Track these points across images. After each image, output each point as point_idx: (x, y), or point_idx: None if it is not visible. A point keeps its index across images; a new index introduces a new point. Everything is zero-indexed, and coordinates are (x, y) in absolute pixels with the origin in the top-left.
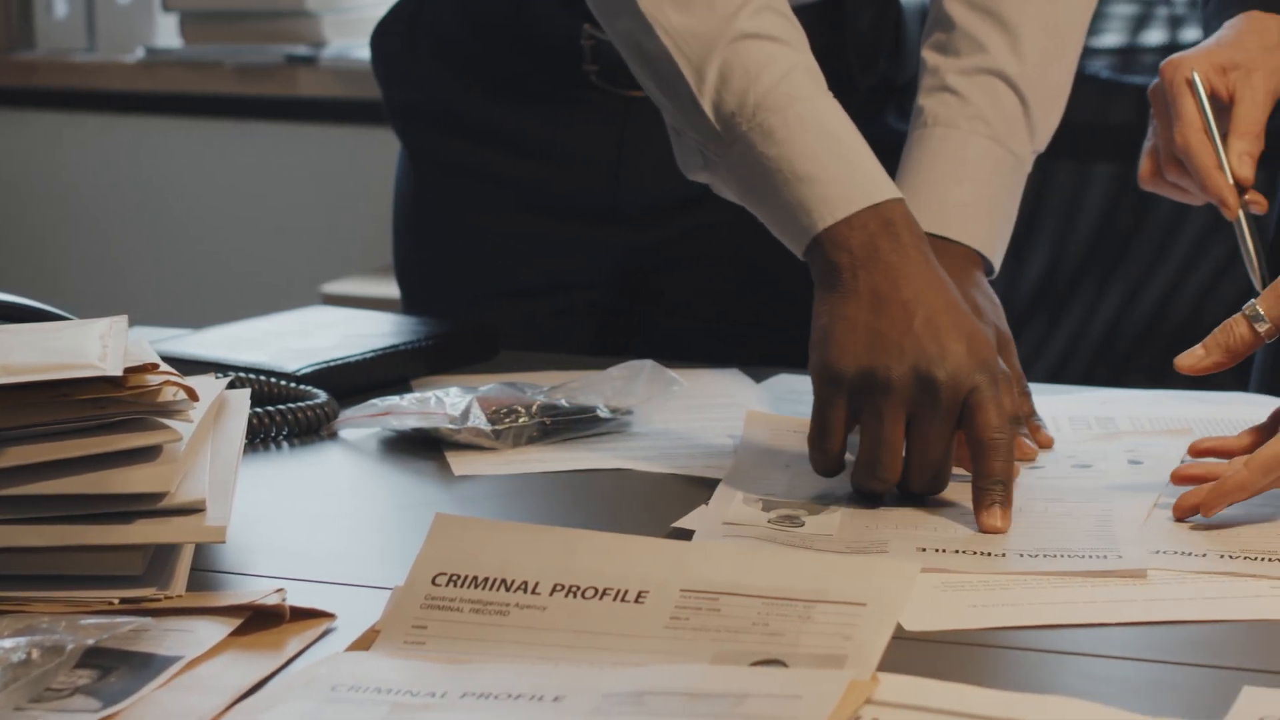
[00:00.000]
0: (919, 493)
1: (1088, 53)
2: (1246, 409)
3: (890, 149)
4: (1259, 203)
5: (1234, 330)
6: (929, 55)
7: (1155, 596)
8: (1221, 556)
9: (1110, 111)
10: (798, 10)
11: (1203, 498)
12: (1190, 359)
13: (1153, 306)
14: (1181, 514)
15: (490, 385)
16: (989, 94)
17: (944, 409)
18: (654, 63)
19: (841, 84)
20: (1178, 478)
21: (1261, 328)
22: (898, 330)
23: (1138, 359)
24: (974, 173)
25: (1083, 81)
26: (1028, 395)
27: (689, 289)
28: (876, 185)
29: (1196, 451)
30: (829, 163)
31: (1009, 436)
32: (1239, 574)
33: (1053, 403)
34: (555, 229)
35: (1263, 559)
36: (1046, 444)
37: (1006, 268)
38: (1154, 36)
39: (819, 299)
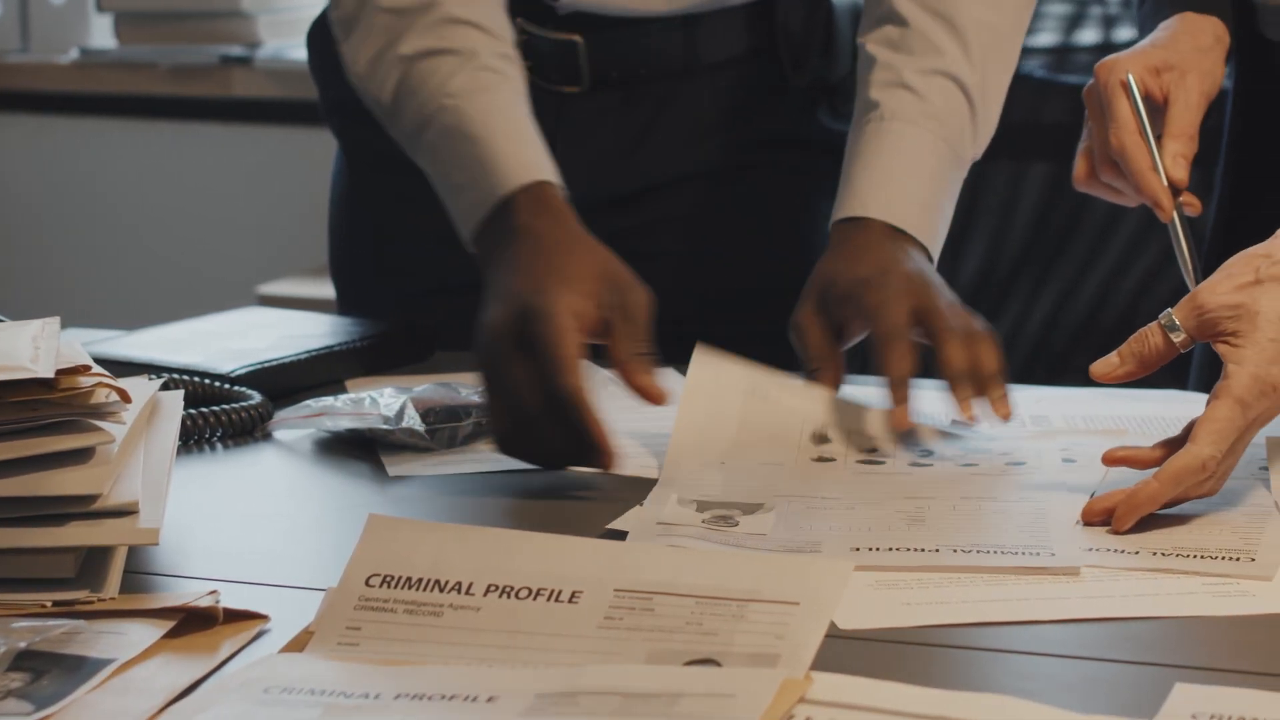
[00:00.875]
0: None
1: (1022, 52)
2: (1183, 407)
3: (825, 147)
4: (1193, 205)
5: (1148, 340)
6: (879, 50)
7: (1089, 594)
8: (1154, 554)
9: (1045, 111)
10: (730, 11)
11: (1114, 510)
12: (1105, 367)
13: (1088, 305)
14: (1089, 518)
15: (425, 386)
16: (944, 96)
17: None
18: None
19: (775, 84)
20: (1090, 513)
21: (1177, 338)
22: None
23: (1074, 358)
24: (929, 171)
25: (1017, 81)
26: (995, 349)
27: None
28: (504, 179)
29: (1110, 461)
30: (466, 167)
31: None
32: (1172, 571)
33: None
34: None
35: (1195, 556)
36: (1005, 415)
37: (943, 267)
38: (1088, 36)
39: None
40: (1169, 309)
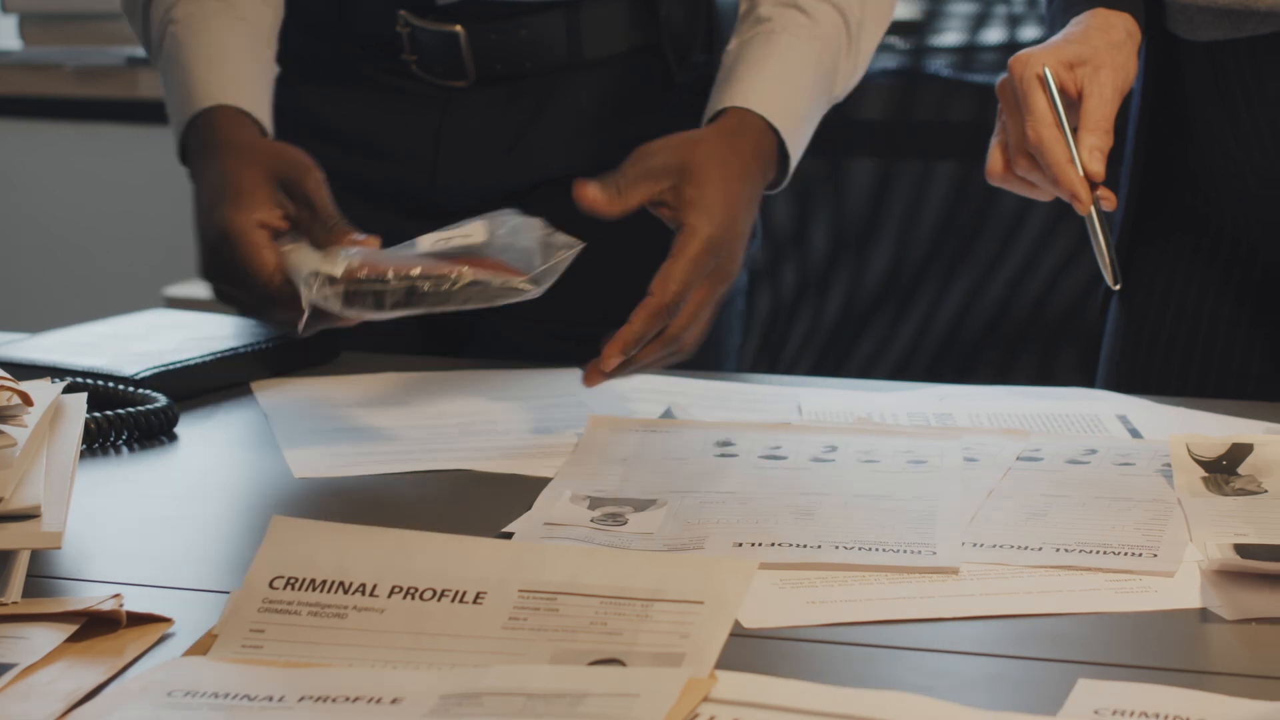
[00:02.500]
0: None
1: (929, 52)
2: (1088, 404)
3: None
4: (1109, 198)
5: None
6: None
7: (992, 591)
8: (1057, 550)
9: (951, 110)
10: (613, 3)
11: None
12: None
13: (996, 302)
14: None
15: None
16: (830, 24)
17: None
18: None
19: (659, 79)
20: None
21: None
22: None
23: (982, 354)
24: (810, 88)
25: (924, 80)
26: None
27: None
28: (191, 102)
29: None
30: (175, 92)
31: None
32: (1075, 567)
33: (891, 399)
34: (377, 221)
35: (1098, 552)
36: None
37: (850, 264)
38: (993, 35)
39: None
40: None
